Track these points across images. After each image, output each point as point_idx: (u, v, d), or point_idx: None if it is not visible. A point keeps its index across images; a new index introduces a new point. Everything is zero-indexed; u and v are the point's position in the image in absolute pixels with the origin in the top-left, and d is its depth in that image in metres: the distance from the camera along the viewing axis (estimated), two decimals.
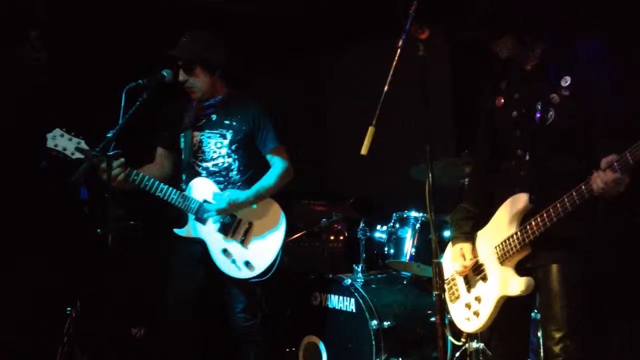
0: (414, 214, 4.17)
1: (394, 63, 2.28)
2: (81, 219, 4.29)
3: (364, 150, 2.28)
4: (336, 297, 4.11)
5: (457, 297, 2.93)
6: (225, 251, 3.61)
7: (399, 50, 2.29)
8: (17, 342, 4.33)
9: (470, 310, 2.85)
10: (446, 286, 2.96)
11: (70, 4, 4.77)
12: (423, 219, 4.12)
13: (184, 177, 3.74)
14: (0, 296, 4.30)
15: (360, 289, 4.01)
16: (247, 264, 3.59)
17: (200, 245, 3.65)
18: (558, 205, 2.48)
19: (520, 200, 2.65)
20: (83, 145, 3.42)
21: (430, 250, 2.44)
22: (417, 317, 4.07)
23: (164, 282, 3.79)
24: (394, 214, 4.26)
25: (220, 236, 3.63)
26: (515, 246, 2.65)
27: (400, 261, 4.16)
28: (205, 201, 3.64)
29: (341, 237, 4.93)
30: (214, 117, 3.72)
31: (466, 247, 2.86)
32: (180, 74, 3.62)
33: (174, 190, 3.60)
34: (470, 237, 2.87)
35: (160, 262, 4.28)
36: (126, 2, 4.92)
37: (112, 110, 3.30)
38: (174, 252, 3.73)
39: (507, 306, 2.74)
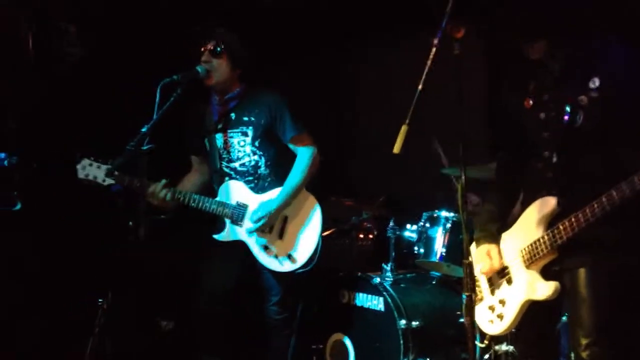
0: (444, 213, 4.14)
1: (429, 62, 2.27)
2: (113, 211, 4.34)
3: (396, 149, 2.26)
4: (365, 295, 4.10)
5: (481, 299, 2.91)
6: (266, 248, 3.63)
7: (434, 49, 2.27)
8: (47, 333, 4.41)
9: (493, 313, 2.82)
10: None
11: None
12: (454, 218, 4.09)
13: (215, 179, 3.76)
14: (29, 288, 4.37)
15: (389, 288, 4.00)
16: (289, 257, 3.61)
17: (236, 247, 3.67)
18: (587, 210, 2.44)
19: (549, 203, 2.62)
20: (112, 170, 3.49)
21: (460, 250, 2.43)
22: (446, 317, 4.05)
23: (193, 275, 3.82)
24: (424, 213, 4.24)
25: (258, 234, 3.65)
26: (543, 250, 2.62)
27: (430, 261, 4.14)
28: (238, 204, 3.66)
29: (371, 236, 4.92)
30: (232, 115, 3.73)
31: (493, 248, 2.83)
32: (206, 54, 3.62)
33: (206, 198, 3.63)
34: (496, 239, 2.85)
35: (190, 255, 4.32)
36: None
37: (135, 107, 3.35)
38: (209, 253, 3.76)
39: (534, 311, 2.71)
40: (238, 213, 3.64)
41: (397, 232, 4.28)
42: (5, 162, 3.96)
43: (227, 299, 3.70)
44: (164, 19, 5.02)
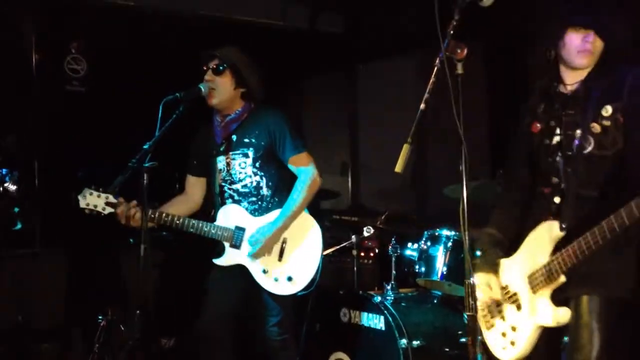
0: (445, 232, 4.13)
1: (431, 81, 2.27)
2: (114, 230, 4.34)
3: (398, 168, 2.26)
4: (365, 314, 4.07)
5: (492, 325, 2.87)
6: (265, 271, 3.60)
7: (435, 68, 2.28)
8: (48, 350, 4.39)
9: (506, 339, 2.79)
10: (480, 313, 2.90)
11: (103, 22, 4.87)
12: (455, 237, 4.08)
13: (218, 202, 3.75)
14: (29, 305, 4.36)
15: (389, 307, 3.98)
16: (289, 279, 3.58)
17: (236, 268, 3.65)
18: (589, 236, 2.42)
19: (551, 228, 2.60)
20: (111, 199, 3.50)
21: (461, 269, 2.42)
22: (447, 337, 4.02)
23: (195, 293, 3.81)
24: (426, 232, 4.22)
25: (257, 258, 3.63)
26: (548, 277, 2.59)
27: (431, 280, 4.11)
28: (236, 227, 3.66)
29: (372, 254, 4.91)
30: (234, 137, 3.70)
31: (492, 278, 2.79)
32: (208, 73, 3.62)
33: (205, 223, 3.62)
34: (496, 267, 2.81)
35: (191, 273, 4.32)
36: (155, 17, 5.00)
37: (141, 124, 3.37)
38: (211, 273, 3.74)
39: (540, 338, 2.68)
40: (236, 236, 3.63)
41: (399, 251, 4.27)
42: (7, 179, 3.97)
43: (229, 319, 3.68)
44: (169, 35, 5.05)
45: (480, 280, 2.81)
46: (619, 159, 2.53)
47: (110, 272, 4.61)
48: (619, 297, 2.56)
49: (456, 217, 2.36)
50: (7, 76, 4.59)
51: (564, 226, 2.56)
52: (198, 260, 4.01)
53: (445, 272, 4.04)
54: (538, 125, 2.72)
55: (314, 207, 3.77)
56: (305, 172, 3.66)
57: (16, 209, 4.11)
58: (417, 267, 4.18)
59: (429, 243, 4.16)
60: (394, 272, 4.23)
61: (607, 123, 2.52)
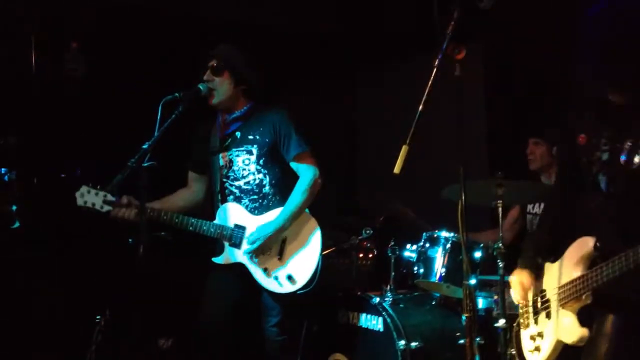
0: (444, 233, 4.13)
1: (430, 82, 2.27)
2: (112, 228, 4.34)
3: (397, 169, 2.26)
4: (364, 315, 4.08)
5: (527, 326, 2.84)
6: (265, 270, 3.60)
7: (434, 70, 2.28)
8: (45, 350, 4.39)
9: (534, 343, 2.77)
10: (520, 310, 2.89)
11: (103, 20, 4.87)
12: (454, 239, 4.07)
13: (218, 199, 3.76)
14: (26, 305, 4.36)
15: (388, 308, 3.98)
16: (289, 278, 3.58)
17: (235, 267, 3.65)
18: (616, 260, 2.33)
19: (586, 244, 2.51)
20: (109, 197, 3.52)
21: (460, 270, 2.42)
22: (446, 338, 4.03)
23: (193, 294, 3.81)
24: (424, 233, 4.22)
25: (257, 257, 3.63)
26: (574, 293, 2.53)
27: (430, 281, 4.11)
28: (236, 225, 3.65)
29: (370, 255, 4.90)
30: (238, 134, 3.71)
31: (526, 277, 2.77)
32: (207, 74, 3.62)
33: (204, 221, 3.62)
34: (535, 268, 2.78)
35: (190, 272, 4.31)
36: (155, 17, 5.00)
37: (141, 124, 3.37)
38: (209, 273, 3.73)
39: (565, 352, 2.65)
40: (236, 235, 3.63)
41: (397, 252, 4.26)
42: (6, 178, 3.96)
43: (228, 319, 3.67)
44: (168, 35, 5.05)
45: (514, 278, 2.81)
46: None
47: (108, 271, 4.60)
48: None
49: (454, 218, 2.36)
50: (7, 76, 4.58)
51: (598, 245, 2.47)
52: (197, 260, 4.01)
53: (443, 274, 4.04)
54: (584, 135, 2.63)
55: (314, 208, 3.76)
56: (308, 172, 3.66)
57: (14, 207, 4.10)
58: (415, 268, 4.18)
59: (427, 244, 4.16)
60: (392, 273, 4.24)
61: None
